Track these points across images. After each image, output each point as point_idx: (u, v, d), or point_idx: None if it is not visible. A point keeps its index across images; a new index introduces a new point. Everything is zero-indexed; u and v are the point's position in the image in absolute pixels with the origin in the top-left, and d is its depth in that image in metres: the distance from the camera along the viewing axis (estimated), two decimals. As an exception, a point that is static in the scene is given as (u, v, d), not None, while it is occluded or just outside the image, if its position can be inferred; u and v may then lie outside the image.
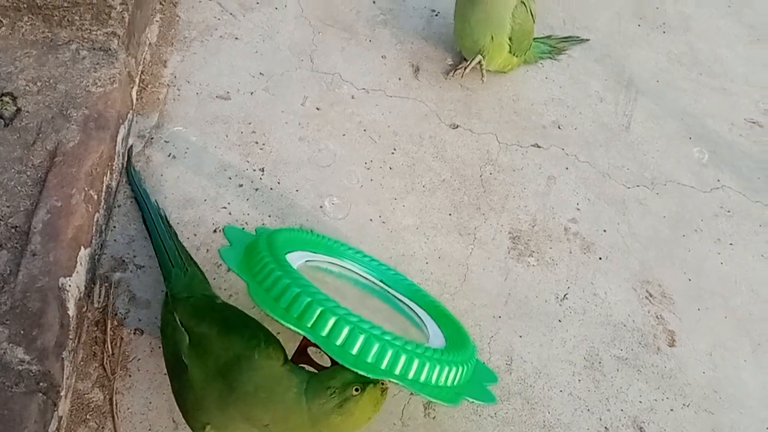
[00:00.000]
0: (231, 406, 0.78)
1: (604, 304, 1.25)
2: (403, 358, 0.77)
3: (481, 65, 1.44)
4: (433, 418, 1.05)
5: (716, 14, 1.80)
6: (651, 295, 1.28)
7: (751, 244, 1.39)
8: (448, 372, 0.81)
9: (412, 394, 1.06)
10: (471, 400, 0.85)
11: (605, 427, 1.10)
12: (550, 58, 1.59)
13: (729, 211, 1.43)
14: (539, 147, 1.46)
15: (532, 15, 1.43)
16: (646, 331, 1.23)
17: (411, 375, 0.77)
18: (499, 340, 1.16)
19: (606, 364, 1.17)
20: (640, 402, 1.14)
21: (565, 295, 1.25)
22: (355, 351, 0.74)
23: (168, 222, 1.08)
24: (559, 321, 1.21)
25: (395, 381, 0.76)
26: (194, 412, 0.82)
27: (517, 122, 1.48)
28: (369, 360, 0.75)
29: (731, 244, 1.38)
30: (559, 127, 1.50)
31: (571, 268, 1.28)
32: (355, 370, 0.74)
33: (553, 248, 1.30)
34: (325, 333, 0.74)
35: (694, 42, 1.74)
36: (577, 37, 1.63)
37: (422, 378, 0.77)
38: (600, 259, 1.31)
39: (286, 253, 0.89)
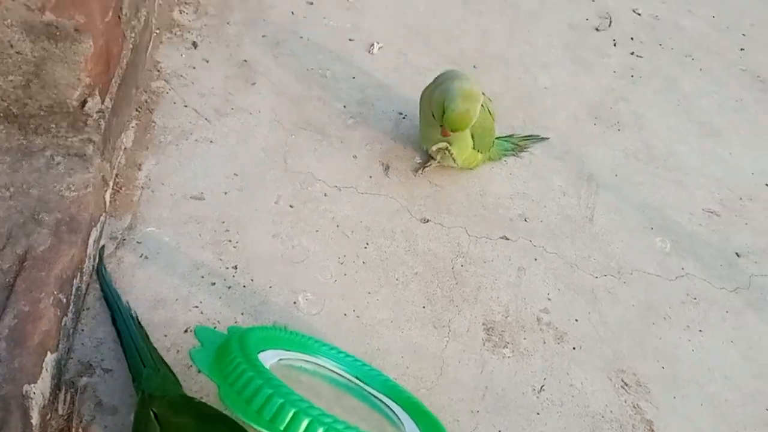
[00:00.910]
0: None
1: (581, 395, 1.24)
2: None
3: (448, 151, 1.49)
4: None
5: (667, 112, 1.93)
6: (626, 384, 1.28)
7: (720, 330, 1.42)
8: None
9: (390, 497, 1.02)
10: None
11: None
12: (513, 155, 1.66)
13: (695, 299, 1.47)
14: (508, 239, 1.49)
15: (490, 113, 1.52)
16: (624, 422, 1.22)
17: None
18: (478, 436, 1.14)
19: (587, 458, 1.15)
20: (625, 497, 1.11)
21: (542, 387, 1.24)
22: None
23: (139, 322, 1.06)
24: (538, 414, 1.20)
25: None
26: None
27: (485, 216, 1.53)
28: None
29: (701, 330, 1.41)
30: (526, 220, 1.55)
31: (546, 358, 1.29)
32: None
33: (527, 339, 1.31)
34: (298, 434, 0.73)
35: (648, 138, 1.84)
36: (538, 135, 1.72)
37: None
38: (573, 348, 1.32)
39: (258, 353, 0.88)
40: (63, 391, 1.00)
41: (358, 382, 1.06)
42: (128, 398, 1.04)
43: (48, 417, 0.95)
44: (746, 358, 1.38)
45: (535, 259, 1.47)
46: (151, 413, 0.85)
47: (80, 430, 0.98)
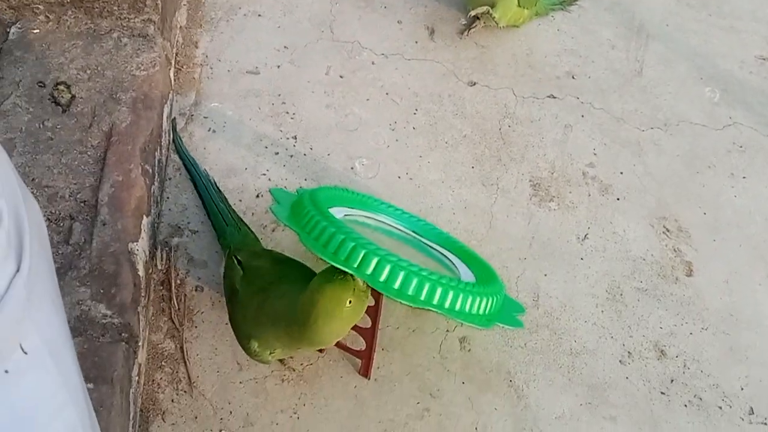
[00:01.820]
0: (263, 313, 0.89)
1: (623, 241, 1.33)
2: (439, 290, 0.86)
3: (490, 14, 1.49)
4: (469, 350, 1.15)
5: (724, -46, 1.82)
6: (668, 230, 1.36)
7: (764, 175, 1.45)
8: (480, 301, 0.90)
9: (448, 330, 1.16)
10: (501, 325, 0.95)
11: (628, 352, 1.19)
12: (561, 9, 1.64)
13: (741, 147, 1.49)
14: (555, 97, 1.52)
15: None
16: (664, 263, 1.31)
17: (447, 304, 0.87)
18: (526, 279, 1.25)
19: (627, 296, 1.26)
20: (661, 328, 1.22)
21: (585, 235, 1.33)
22: (396, 285, 0.84)
23: (217, 186, 1.18)
24: (581, 259, 1.30)
25: (434, 309, 0.86)
26: (240, 327, 0.94)
27: (532, 75, 1.55)
28: (410, 293, 0.85)
29: (744, 177, 1.45)
30: (573, 77, 1.56)
31: (590, 209, 1.36)
32: (399, 300, 0.84)
33: (573, 192, 1.38)
34: (369, 271, 0.84)
35: (703, -17, 1.77)
36: None
37: (457, 307, 0.87)
38: (618, 199, 1.39)
39: (328, 208, 0.99)
40: (159, 250, 1.15)
41: (415, 235, 1.17)
42: (215, 254, 1.18)
43: (150, 271, 1.10)
44: (789, 201, 1.42)
45: (582, 116, 1.50)
46: (235, 260, 0.98)
47: (178, 281, 1.13)
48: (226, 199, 1.17)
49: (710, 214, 1.39)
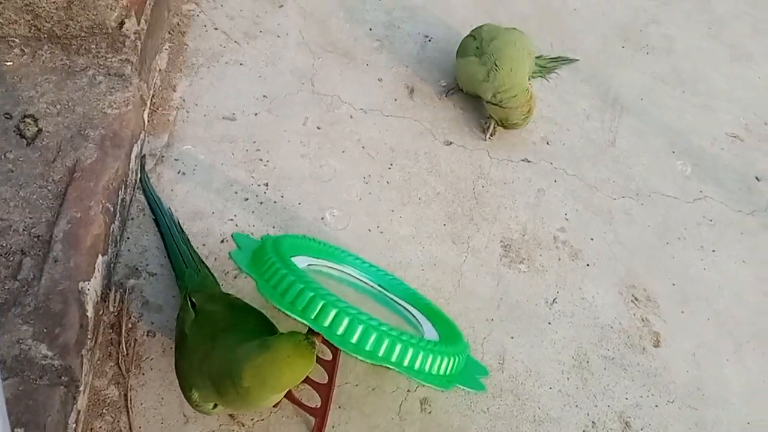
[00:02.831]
0: (207, 362, 0.84)
1: (592, 308, 1.31)
2: (398, 347, 0.83)
3: (495, 127, 1.53)
4: (429, 413, 1.11)
5: (698, 36, 1.89)
6: (637, 299, 1.34)
7: (733, 251, 1.46)
8: (441, 361, 0.87)
9: (409, 390, 1.12)
10: (462, 387, 0.91)
11: (592, 422, 1.15)
12: (541, 77, 1.66)
13: (711, 220, 1.50)
14: (529, 161, 1.53)
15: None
16: (632, 333, 1.29)
17: (406, 362, 0.83)
18: (492, 341, 1.22)
19: (593, 364, 1.23)
20: (626, 398, 1.19)
21: (554, 299, 1.31)
22: (354, 340, 0.81)
23: (180, 227, 1.15)
24: (549, 323, 1.27)
25: (392, 367, 0.83)
26: (184, 374, 0.89)
27: (508, 139, 1.57)
28: (368, 348, 0.82)
29: (714, 251, 1.45)
30: (548, 143, 1.58)
31: (560, 274, 1.35)
32: (356, 356, 0.81)
33: (543, 255, 1.37)
34: (327, 323, 0.81)
35: (678, 62, 1.83)
36: (567, 57, 1.71)
37: (416, 365, 0.84)
38: (587, 265, 1.38)
39: (291, 257, 0.96)
40: (113, 291, 1.11)
41: (380, 289, 1.15)
42: (171, 299, 1.14)
43: (101, 312, 1.06)
44: (757, 276, 1.42)
45: (555, 181, 1.51)
46: (189, 301, 0.95)
47: (129, 325, 1.09)
48: (188, 240, 1.14)
49: (679, 285, 1.38)
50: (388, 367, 0.84)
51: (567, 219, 1.45)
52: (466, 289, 1.29)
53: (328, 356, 0.95)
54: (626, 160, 1.59)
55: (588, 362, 1.23)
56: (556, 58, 1.71)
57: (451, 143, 1.52)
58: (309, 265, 1.04)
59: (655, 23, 1.91)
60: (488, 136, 1.54)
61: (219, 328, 0.89)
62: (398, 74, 1.62)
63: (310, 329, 0.84)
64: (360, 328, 0.81)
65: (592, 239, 1.42)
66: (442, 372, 0.87)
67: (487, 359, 1.19)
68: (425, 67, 1.65)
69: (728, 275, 1.41)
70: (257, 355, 0.79)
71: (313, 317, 0.80)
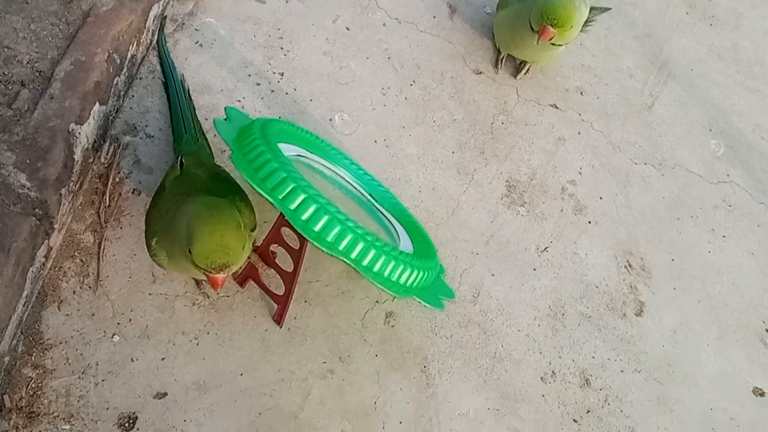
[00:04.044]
0: (173, 216, 0.84)
1: (582, 264, 1.28)
2: (360, 245, 0.82)
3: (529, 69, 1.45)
4: (392, 326, 1.11)
5: (769, 16, 1.77)
6: (630, 266, 1.31)
7: (744, 240, 1.40)
8: (402, 270, 0.86)
9: (377, 301, 1.12)
10: (419, 300, 0.90)
11: (553, 371, 1.14)
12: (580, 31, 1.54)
13: (730, 206, 1.44)
14: (557, 108, 1.47)
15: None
16: (616, 297, 1.26)
17: (365, 262, 0.82)
18: (472, 273, 1.21)
19: (569, 317, 1.21)
20: (593, 357, 1.18)
21: (545, 248, 1.28)
22: (317, 228, 0.80)
23: (189, 94, 1.14)
24: (534, 270, 1.25)
25: (351, 264, 0.82)
26: (151, 221, 0.90)
27: (541, 81, 1.50)
28: (329, 239, 0.80)
29: (724, 236, 1.39)
30: (582, 93, 1.51)
31: (558, 224, 1.32)
32: (317, 244, 0.80)
33: (546, 203, 1.33)
34: (293, 207, 0.80)
35: (740, 40, 1.71)
36: (601, 6, 1.58)
37: (375, 267, 0.83)
38: (589, 222, 1.34)
39: (279, 141, 0.94)
40: (107, 143, 1.11)
41: (368, 197, 1.13)
42: (164, 164, 1.14)
43: (90, 160, 1.06)
44: (762, 271, 1.37)
45: (579, 133, 1.45)
46: (178, 161, 0.94)
47: (117, 178, 1.09)
48: (194, 108, 1.13)
49: (678, 261, 1.34)
50: (348, 264, 0.82)
51: (580, 173, 1.40)
52: (459, 218, 1.26)
53: (296, 245, 0.94)
54: (659, 127, 1.52)
55: (563, 315, 1.21)
56: (591, 8, 1.57)
57: (480, 72, 1.47)
58: (298, 155, 1.02)
59: (729, -6, 1.78)
60: (522, 74, 1.47)
61: (195, 188, 0.89)
62: (443, -9, 1.55)
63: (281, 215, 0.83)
64: (325, 218, 0.80)
65: (600, 198, 1.37)
66: (402, 281, 0.86)
67: (463, 290, 1.18)
68: (473, -10, 1.57)
69: (732, 262, 1.36)
70: (193, 211, 0.79)
71: (280, 197, 0.79)
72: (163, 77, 1.17)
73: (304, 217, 0.80)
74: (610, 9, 1.61)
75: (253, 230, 0.88)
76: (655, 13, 1.69)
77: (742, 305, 1.31)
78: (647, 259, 1.32)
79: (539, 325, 1.18)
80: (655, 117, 1.53)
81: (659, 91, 1.58)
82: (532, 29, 1.30)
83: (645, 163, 1.45)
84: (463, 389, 1.08)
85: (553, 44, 1.31)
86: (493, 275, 1.22)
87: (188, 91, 1.15)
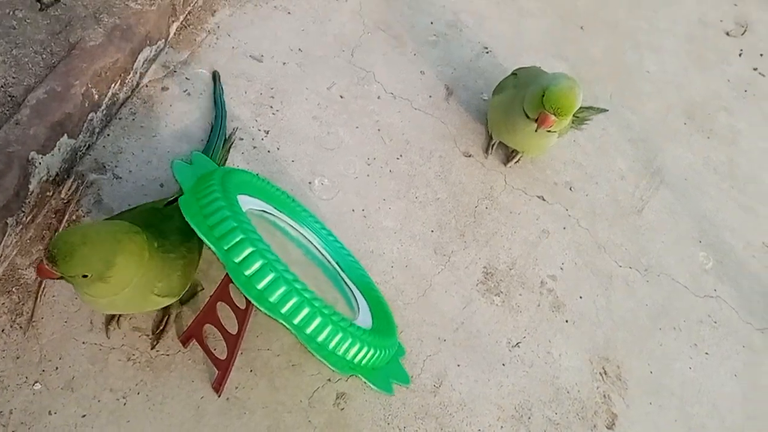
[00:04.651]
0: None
1: (555, 365, 1.20)
2: (306, 310, 0.75)
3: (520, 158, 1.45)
4: (342, 409, 1.02)
5: (766, 137, 1.77)
6: (606, 373, 1.23)
7: (728, 360, 1.33)
8: (350, 345, 0.79)
9: (329, 380, 1.04)
10: (365, 380, 0.83)
11: (510, 480, 1.05)
12: (574, 128, 1.54)
13: (716, 322, 1.38)
14: (544, 200, 1.44)
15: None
16: (587, 405, 1.18)
17: (309, 330, 0.76)
18: (436, 361, 1.13)
19: (535, 422, 1.12)
20: (557, 470, 1.08)
21: (518, 343, 1.21)
22: (260, 286, 0.74)
23: (227, 137, 1.17)
24: (503, 365, 1.17)
25: (291, 330, 0.75)
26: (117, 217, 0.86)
27: (531, 171, 1.48)
28: (272, 299, 0.74)
29: (707, 353, 1.32)
30: (571, 189, 1.48)
31: (533, 320, 1.25)
32: (257, 305, 0.73)
33: (523, 296, 1.28)
34: (237, 260, 0.74)
35: (736, 156, 1.71)
36: (598, 107, 1.58)
37: (320, 338, 0.76)
38: (566, 321, 1.27)
39: (242, 193, 0.90)
40: (71, 179, 1.06)
41: (335, 265, 1.07)
42: (126, 207, 1.09)
43: (49, 193, 1.01)
44: (745, 396, 1.29)
45: (564, 228, 1.41)
46: (173, 198, 0.91)
47: (74, 216, 1.04)
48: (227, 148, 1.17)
49: (656, 375, 1.26)
50: (289, 330, 0.76)
51: (562, 269, 1.34)
52: (430, 301, 1.20)
53: (243, 305, 0.88)
54: (647, 233, 1.48)
55: (530, 418, 1.13)
56: (588, 107, 1.58)
57: (470, 156, 1.44)
58: (262, 210, 0.97)
59: (727, 112, 1.79)
60: (512, 163, 1.45)
61: (150, 222, 0.84)
62: (442, 73, 1.55)
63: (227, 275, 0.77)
64: (270, 276, 0.74)
65: (580, 297, 1.32)
66: (349, 356, 0.79)
67: (424, 378, 1.10)
68: (473, 76, 1.58)
69: (714, 383, 1.28)
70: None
71: (225, 248, 0.73)
72: (212, 124, 1.19)
73: (248, 272, 0.74)
74: (607, 110, 1.61)
75: (168, 296, 0.82)
76: (652, 120, 1.69)
77: (721, 430, 1.22)
78: (624, 368, 1.25)
79: (502, 427, 1.10)
80: (644, 222, 1.50)
81: (650, 196, 1.55)
82: (527, 116, 1.28)
83: (630, 267, 1.40)
84: (409, 489, 0.98)
85: (549, 131, 1.29)
86: (458, 365, 1.14)
87: (229, 134, 1.18)
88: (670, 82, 1.78)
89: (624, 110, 1.69)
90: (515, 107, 1.32)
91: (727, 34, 2.00)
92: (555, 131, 1.31)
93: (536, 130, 1.27)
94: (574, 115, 1.51)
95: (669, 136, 1.68)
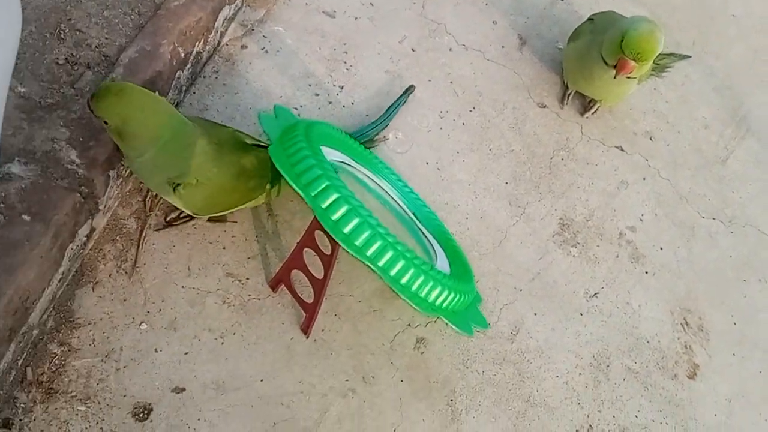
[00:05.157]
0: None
1: (634, 316, 1.20)
2: (389, 254, 0.78)
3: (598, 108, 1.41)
4: (422, 353, 1.06)
5: None
6: (687, 324, 1.21)
7: (819, 312, 1.28)
8: (432, 287, 0.81)
9: (409, 325, 1.07)
10: (447, 321, 0.85)
11: (590, 425, 1.06)
12: (655, 76, 1.48)
13: (806, 273, 1.33)
14: (623, 150, 1.41)
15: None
16: (668, 355, 1.17)
17: (393, 272, 0.78)
18: (513, 309, 1.15)
19: (614, 370, 1.13)
20: (636, 417, 1.09)
21: (596, 294, 1.21)
22: (347, 230, 0.77)
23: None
24: (581, 314, 1.18)
25: (378, 272, 0.78)
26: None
27: (609, 121, 1.44)
28: (357, 242, 0.77)
29: (796, 305, 1.28)
30: (651, 139, 1.44)
31: (612, 271, 1.24)
32: (344, 247, 0.76)
33: (601, 247, 1.26)
34: (324, 205, 0.77)
35: (831, 101, 1.61)
36: (680, 54, 1.50)
37: (404, 279, 0.78)
38: (646, 273, 1.26)
39: (323, 144, 0.92)
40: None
41: (411, 214, 1.09)
42: (213, 160, 1.14)
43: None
44: (836, 349, 1.24)
45: (644, 178, 1.38)
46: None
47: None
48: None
49: (740, 326, 1.23)
50: (375, 272, 0.78)
51: (642, 220, 1.32)
52: (506, 251, 1.21)
53: (328, 251, 0.91)
54: (732, 182, 1.43)
55: (608, 366, 1.13)
56: (669, 54, 1.50)
57: (545, 106, 1.42)
58: (342, 162, 1.00)
59: (822, 53, 1.68)
60: (590, 113, 1.42)
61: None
62: (516, 23, 1.52)
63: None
64: (355, 221, 0.77)
65: (661, 248, 1.29)
66: (431, 299, 0.81)
67: (501, 325, 1.12)
68: (546, 24, 1.54)
69: (803, 335, 1.24)
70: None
71: (313, 194, 0.76)
72: (385, 117, 1.24)
73: (335, 217, 0.77)
74: (690, 57, 1.54)
75: (184, 199, 0.92)
76: (738, 66, 1.61)
77: (810, 382, 1.19)
78: (706, 319, 1.23)
79: (580, 374, 1.11)
80: (729, 172, 1.44)
81: (735, 145, 1.49)
82: (606, 63, 1.25)
83: (713, 218, 1.36)
84: (490, 430, 1.01)
85: (628, 77, 1.25)
86: (535, 314, 1.15)
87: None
88: (757, 25, 1.68)
89: (707, 56, 1.61)
90: (592, 54, 1.28)
91: (825, -29, 1.86)
92: (635, 77, 1.27)
93: (615, 77, 1.23)
94: (654, 62, 1.45)
95: (756, 82, 1.60)
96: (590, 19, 1.38)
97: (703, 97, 1.54)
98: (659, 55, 1.48)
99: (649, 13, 1.61)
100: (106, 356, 0.96)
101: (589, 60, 1.28)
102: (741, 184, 1.43)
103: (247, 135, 0.99)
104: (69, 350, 0.95)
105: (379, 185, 1.08)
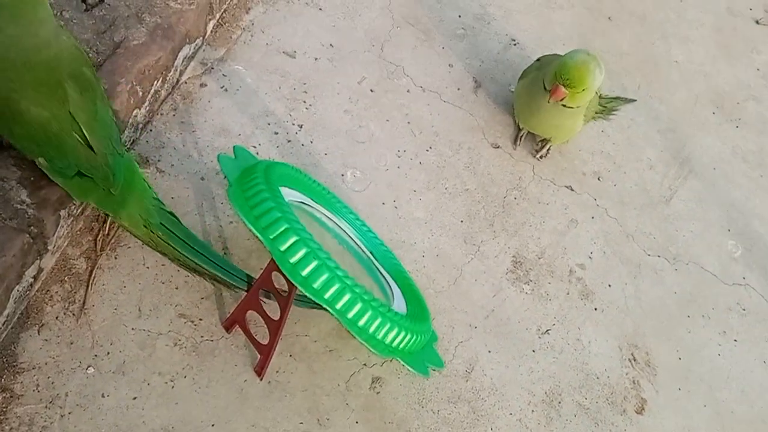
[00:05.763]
0: None
1: (584, 352, 1.23)
2: (347, 296, 0.79)
3: (549, 149, 1.47)
4: (377, 393, 1.06)
5: (796, 124, 1.76)
6: (635, 359, 1.25)
7: (757, 347, 1.34)
8: (389, 329, 0.82)
9: (365, 365, 1.08)
10: (403, 363, 0.86)
11: (542, 462, 1.08)
12: (602, 118, 1.55)
13: (744, 310, 1.39)
14: (572, 190, 1.46)
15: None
16: (617, 390, 1.20)
17: (351, 314, 0.79)
18: (467, 347, 1.16)
19: (565, 406, 1.15)
20: (587, 453, 1.11)
21: (547, 330, 1.24)
22: (305, 273, 0.78)
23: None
24: (533, 351, 1.20)
25: (334, 314, 0.79)
26: None
27: (559, 162, 1.50)
28: (315, 285, 0.78)
29: (736, 340, 1.34)
30: (599, 179, 1.50)
31: (563, 308, 1.27)
32: (302, 289, 0.77)
33: (552, 284, 1.30)
34: (283, 248, 0.78)
35: (766, 145, 1.70)
36: (625, 97, 1.59)
37: (361, 322, 0.80)
38: (595, 309, 1.29)
39: (282, 185, 0.94)
40: (117, 173, 1.11)
41: (369, 254, 1.11)
42: (169, 200, 1.14)
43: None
44: (774, 383, 1.30)
45: (592, 217, 1.43)
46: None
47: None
48: None
49: (685, 361, 1.28)
50: (333, 315, 0.79)
51: (591, 257, 1.36)
52: (461, 289, 1.23)
53: (285, 292, 0.92)
54: (676, 222, 1.49)
55: (560, 403, 1.15)
56: (616, 98, 1.59)
57: (498, 147, 1.47)
58: (301, 202, 1.01)
59: (756, 101, 1.79)
60: (541, 155, 1.47)
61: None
62: (470, 66, 1.57)
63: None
64: (314, 264, 0.78)
65: (609, 285, 1.34)
66: (388, 341, 0.83)
67: (456, 364, 1.13)
68: (500, 69, 1.60)
69: (743, 369, 1.30)
70: None
71: (271, 237, 0.77)
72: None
73: (293, 260, 0.78)
74: (635, 101, 1.62)
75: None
76: (681, 110, 1.69)
77: (750, 416, 1.24)
78: (653, 354, 1.27)
79: (533, 411, 1.13)
80: (673, 211, 1.51)
81: (679, 185, 1.56)
82: (546, 90, 1.30)
83: (658, 256, 1.42)
84: (443, 469, 1.02)
85: (564, 106, 1.30)
86: (489, 352, 1.17)
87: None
88: (699, 71, 1.78)
89: (652, 100, 1.69)
90: (538, 86, 1.34)
91: (757, 22, 1.99)
92: (572, 107, 1.32)
93: (548, 101, 1.28)
94: (601, 105, 1.53)
95: (697, 125, 1.68)
96: (538, 59, 1.44)
97: (648, 139, 1.61)
98: (606, 98, 1.56)
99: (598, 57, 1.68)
100: (50, 402, 0.93)
101: (535, 92, 1.34)
102: (684, 223, 1.49)
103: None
104: (11, 396, 0.92)
105: (337, 224, 1.09)
